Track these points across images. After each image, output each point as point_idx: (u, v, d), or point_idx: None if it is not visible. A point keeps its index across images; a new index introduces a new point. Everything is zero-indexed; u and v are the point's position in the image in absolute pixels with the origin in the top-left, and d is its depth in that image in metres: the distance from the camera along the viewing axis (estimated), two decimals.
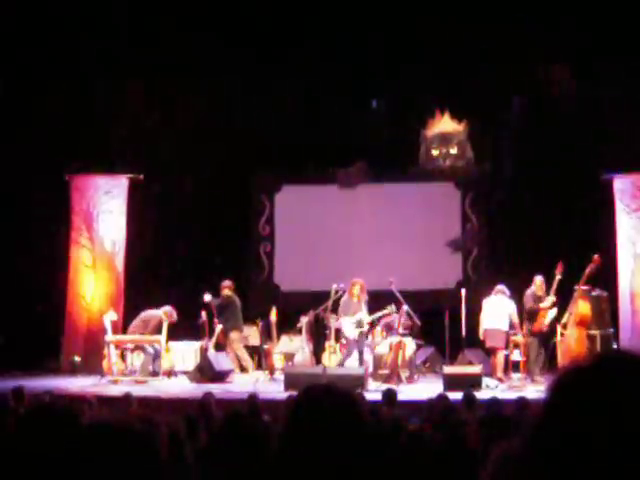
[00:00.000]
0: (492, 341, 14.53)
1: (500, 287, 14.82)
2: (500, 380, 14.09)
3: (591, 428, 1.37)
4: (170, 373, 15.68)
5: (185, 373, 15.64)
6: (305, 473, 2.06)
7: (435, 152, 18.60)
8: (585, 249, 14.73)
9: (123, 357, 15.75)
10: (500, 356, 14.49)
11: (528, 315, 14.42)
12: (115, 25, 16.89)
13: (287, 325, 16.56)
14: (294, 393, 10.38)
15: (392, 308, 15.16)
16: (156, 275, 17.73)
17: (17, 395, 9.44)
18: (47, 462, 2.51)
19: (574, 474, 1.37)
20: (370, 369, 14.94)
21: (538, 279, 14.49)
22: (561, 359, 14.03)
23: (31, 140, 17.10)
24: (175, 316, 15.54)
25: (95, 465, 2.29)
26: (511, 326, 14.56)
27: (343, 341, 15.79)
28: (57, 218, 17.51)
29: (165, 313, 15.48)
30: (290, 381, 13.48)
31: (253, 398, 9.36)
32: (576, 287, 14.10)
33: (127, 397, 9.66)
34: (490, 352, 14.74)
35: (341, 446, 2.08)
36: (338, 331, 15.88)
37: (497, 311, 14.51)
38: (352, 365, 15.30)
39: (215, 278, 17.03)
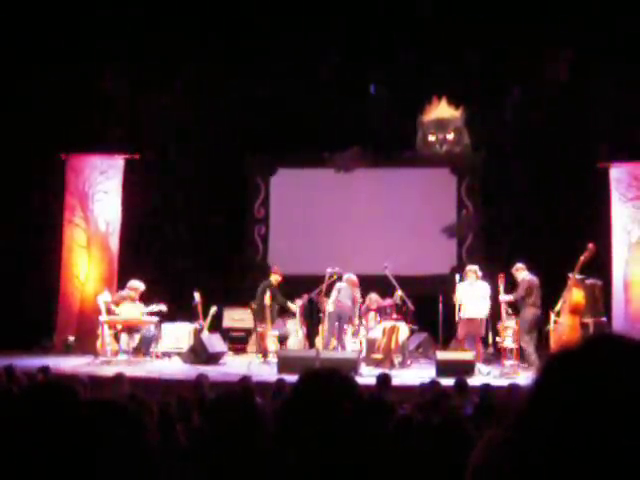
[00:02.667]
0: (477, 330, 14.60)
1: (473, 268, 14.91)
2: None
3: (580, 410, 1.37)
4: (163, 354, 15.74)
5: (179, 354, 15.66)
6: (305, 456, 2.07)
7: (432, 138, 18.60)
8: (580, 237, 14.74)
9: (117, 338, 15.74)
10: (480, 344, 14.64)
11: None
12: (109, 6, 16.81)
13: (281, 308, 16.56)
14: (284, 375, 10.41)
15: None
16: (151, 256, 17.70)
17: (8, 373, 9.43)
18: (41, 439, 2.52)
19: (563, 457, 1.37)
20: (363, 353, 14.98)
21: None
22: (554, 346, 14.05)
23: (27, 120, 17.04)
24: (141, 285, 15.58)
25: (85, 444, 2.30)
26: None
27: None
28: (52, 198, 17.47)
29: (131, 288, 15.54)
30: (283, 364, 13.50)
31: (246, 380, 9.37)
32: (570, 275, 14.11)
33: (119, 377, 9.65)
34: (467, 340, 14.75)
35: (341, 428, 2.08)
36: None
37: (475, 297, 14.59)
38: (349, 347, 15.37)
39: (208, 260, 17.04)
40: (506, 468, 1.46)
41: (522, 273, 14.54)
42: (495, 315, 14.70)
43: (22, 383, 8.17)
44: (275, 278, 15.98)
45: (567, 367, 1.46)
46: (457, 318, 14.69)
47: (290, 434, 2.11)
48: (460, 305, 14.70)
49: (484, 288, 14.64)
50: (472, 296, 14.61)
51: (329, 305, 15.12)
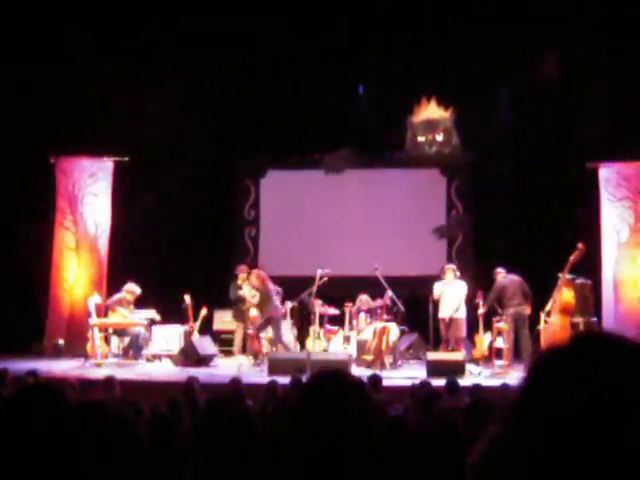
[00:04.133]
0: (458, 331, 14.78)
1: (451, 266, 15.14)
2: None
3: (570, 408, 1.37)
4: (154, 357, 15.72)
5: (169, 357, 15.63)
6: (312, 458, 2.06)
7: (421, 139, 18.61)
8: (570, 237, 14.76)
9: (107, 340, 15.73)
10: (462, 346, 14.81)
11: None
12: (100, 8, 16.78)
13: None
14: (274, 377, 10.39)
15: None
16: (140, 259, 17.67)
17: (0, 378, 9.40)
18: (32, 442, 2.50)
19: (554, 455, 1.37)
20: (353, 354, 15.01)
21: None
22: (544, 346, 14.06)
23: (17, 122, 17.00)
24: (137, 289, 15.58)
25: (75, 446, 2.29)
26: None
27: (327, 326, 15.91)
28: (43, 201, 17.43)
29: (128, 291, 15.56)
30: (274, 366, 13.50)
31: (237, 382, 9.36)
32: (560, 275, 14.13)
33: (110, 380, 9.63)
34: (453, 342, 14.86)
35: (351, 431, 2.08)
36: (322, 316, 15.93)
37: (451, 296, 14.76)
38: (337, 350, 15.40)
39: (199, 262, 17.02)
40: (502, 466, 1.45)
41: (499, 276, 14.70)
42: (474, 326, 14.95)
43: (11, 387, 8.14)
44: (242, 277, 16.11)
45: (556, 365, 1.45)
46: (431, 315, 14.88)
47: (297, 436, 2.10)
48: (437, 303, 14.91)
49: (461, 288, 14.82)
50: (449, 295, 14.77)
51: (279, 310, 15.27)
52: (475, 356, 14.98)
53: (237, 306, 16.26)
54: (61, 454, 2.33)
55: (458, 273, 15.11)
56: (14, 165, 17.03)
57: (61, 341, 16.75)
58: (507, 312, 14.40)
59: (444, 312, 14.82)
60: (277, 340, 15.07)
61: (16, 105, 17.00)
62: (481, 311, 14.61)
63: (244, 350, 16.25)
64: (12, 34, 16.64)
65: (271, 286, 15.29)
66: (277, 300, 15.28)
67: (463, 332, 14.96)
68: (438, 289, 15.00)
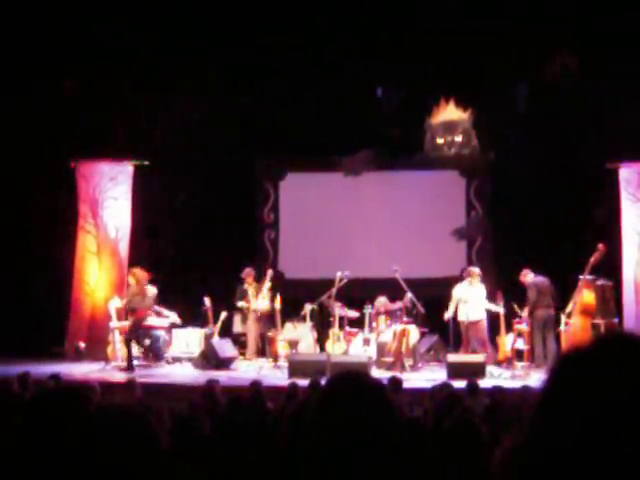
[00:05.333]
0: (480, 333, 14.73)
1: (477, 270, 15.08)
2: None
3: (593, 409, 1.37)
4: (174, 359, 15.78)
5: (189, 360, 15.67)
6: (332, 461, 2.06)
7: (440, 140, 18.57)
8: (590, 238, 14.71)
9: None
10: (487, 347, 14.76)
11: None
12: (118, 10, 16.82)
13: (291, 312, 16.58)
14: (295, 380, 10.41)
15: None
16: (160, 262, 17.72)
17: (22, 381, 9.45)
18: (54, 445, 2.52)
19: (577, 456, 1.37)
20: (373, 357, 15.00)
21: None
22: (565, 348, 14.03)
23: (37, 128, 17.09)
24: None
25: (94, 449, 2.30)
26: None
27: (347, 328, 15.91)
28: (64, 205, 17.52)
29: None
30: (294, 368, 13.51)
31: (257, 385, 9.37)
32: (580, 276, 14.09)
33: (131, 383, 9.67)
34: (475, 344, 14.82)
35: (370, 433, 2.08)
36: (342, 319, 15.93)
37: (474, 299, 14.72)
38: (357, 352, 15.40)
39: (219, 265, 17.06)
40: (525, 467, 1.45)
41: (528, 277, 14.64)
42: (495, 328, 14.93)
43: (34, 391, 8.18)
44: (248, 282, 16.44)
45: (579, 367, 1.45)
46: (447, 317, 14.89)
47: (317, 438, 2.11)
48: (457, 305, 14.85)
49: (482, 291, 14.81)
50: (472, 297, 14.72)
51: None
52: (499, 358, 14.91)
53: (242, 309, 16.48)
54: (83, 457, 2.35)
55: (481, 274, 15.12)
56: (35, 170, 17.11)
57: (82, 344, 16.80)
58: (536, 313, 14.38)
59: (466, 315, 14.75)
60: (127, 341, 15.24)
61: (36, 111, 17.09)
62: (525, 313, 14.62)
63: (260, 353, 16.29)
64: (29, 36, 16.69)
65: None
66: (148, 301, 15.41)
67: (485, 334, 14.92)
68: (459, 291, 14.95)
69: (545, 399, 1.46)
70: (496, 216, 18.29)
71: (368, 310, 15.95)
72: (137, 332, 15.25)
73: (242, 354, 16.44)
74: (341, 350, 15.57)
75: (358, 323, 16.25)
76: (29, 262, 17.21)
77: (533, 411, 1.47)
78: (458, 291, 14.96)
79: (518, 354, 14.72)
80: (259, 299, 16.14)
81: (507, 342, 14.90)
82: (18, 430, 2.79)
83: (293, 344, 16.06)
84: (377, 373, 13.82)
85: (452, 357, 14.06)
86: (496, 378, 13.20)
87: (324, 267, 16.83)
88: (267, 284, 16.28)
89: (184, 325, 16.20)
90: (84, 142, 17.21)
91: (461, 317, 14.88)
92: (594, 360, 1.44)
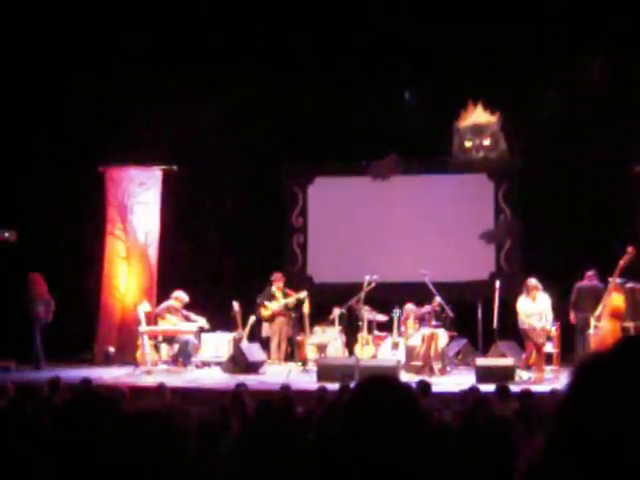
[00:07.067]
0: (540, 337, 14.28)
1: (534, 283, 14.26)
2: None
3: (619, 410, 1.37)
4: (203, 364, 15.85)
5: (218, 364, 15.71)
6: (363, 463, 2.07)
7: (468, 144, 18.51)
8: (620, 241, 14.63)
9: (157, 348, 15.85)
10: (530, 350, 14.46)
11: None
12: (148, 14, 16.89)
13: (320, 316, 16.59)
14: (324, 384, 10.41)
15: None
16: (189, 266, 17.78)
17: (53, 385, 9.53)
18: (86, 449, 2.54)
19: (602, 457, 1.36)
20: (402, 360, 14.96)
21: None
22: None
23: (66, 134, 17.21)
24: (185, 297, 15.85)
25: (125, 453, 2.32)
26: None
27: (376, 332, 15.91)
28: (93, 210, 17.61)
29: (176, 299, 15.72)
30: (323, 372, 13.52)
31: (286, 389, 9.39)
32: (610, 279, 14.01)
33: (161, 388, 9.72)
34: (535, 347, 14.55)
35: (399, 437, 2.09)
36: (371, 322, 15.93)
37: (539, 309, 14.23)
38: (385, 356, 15.38)
39: (247, 269, 17.13)
40: (551, 468, 1.45)
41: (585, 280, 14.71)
42: None
43: (65, 395, 8.24)
44: (277, 286, 16.69)
45: (604, 368, 1.45)
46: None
47: (346, 442, 2.12)
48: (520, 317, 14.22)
49: (548, 301, 14.26)
50: (536, 310, 14.08)
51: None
52: (530, 362, 14.72)
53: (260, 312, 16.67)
54: (112, 460, 2.37)
55: (540, 287, 14.46)
56: (64, 175, 17.21)
57: (112, 349, 16.89)
58: (578, 316, 14.39)
59: (530, 324, 14.13)
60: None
61: (65, 117, 17.20)
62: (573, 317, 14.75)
63: (292, 357, 16.34)
64: (58, 45, 16.80)
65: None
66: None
67: (540, 340, 14.27)
68: (523, 306, 14.25)
69: (570, 399, 1.46)
70: (525, 220, 18.20)
71: (397, 314, 15.91)
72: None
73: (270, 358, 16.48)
74: (370, 354, 15.57)
75: (387, 327, 16.23)
76: (59, 267, 17.27)
77: (557, 411, 1.47)
78: (521, 304, 14.27)
79: (548, 357, 14.63)
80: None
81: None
82: (49, 434, 2.82)
83: (322, 348, 16.06)
84: (406, 377, 13.80)
85: (481, 361, 14.01)
86: (525, 382, 13.12)
87: (352, 271, 16.84)
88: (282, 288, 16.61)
89: (213, 329, 16.26)
90: (113, 147, 17.30)
91: (522, 325, 14.21)
92: (619, 361, 1.44)
